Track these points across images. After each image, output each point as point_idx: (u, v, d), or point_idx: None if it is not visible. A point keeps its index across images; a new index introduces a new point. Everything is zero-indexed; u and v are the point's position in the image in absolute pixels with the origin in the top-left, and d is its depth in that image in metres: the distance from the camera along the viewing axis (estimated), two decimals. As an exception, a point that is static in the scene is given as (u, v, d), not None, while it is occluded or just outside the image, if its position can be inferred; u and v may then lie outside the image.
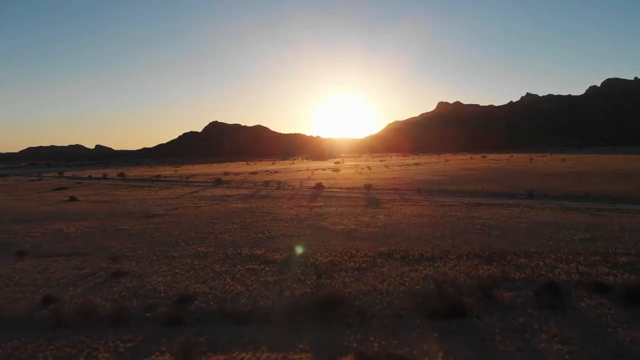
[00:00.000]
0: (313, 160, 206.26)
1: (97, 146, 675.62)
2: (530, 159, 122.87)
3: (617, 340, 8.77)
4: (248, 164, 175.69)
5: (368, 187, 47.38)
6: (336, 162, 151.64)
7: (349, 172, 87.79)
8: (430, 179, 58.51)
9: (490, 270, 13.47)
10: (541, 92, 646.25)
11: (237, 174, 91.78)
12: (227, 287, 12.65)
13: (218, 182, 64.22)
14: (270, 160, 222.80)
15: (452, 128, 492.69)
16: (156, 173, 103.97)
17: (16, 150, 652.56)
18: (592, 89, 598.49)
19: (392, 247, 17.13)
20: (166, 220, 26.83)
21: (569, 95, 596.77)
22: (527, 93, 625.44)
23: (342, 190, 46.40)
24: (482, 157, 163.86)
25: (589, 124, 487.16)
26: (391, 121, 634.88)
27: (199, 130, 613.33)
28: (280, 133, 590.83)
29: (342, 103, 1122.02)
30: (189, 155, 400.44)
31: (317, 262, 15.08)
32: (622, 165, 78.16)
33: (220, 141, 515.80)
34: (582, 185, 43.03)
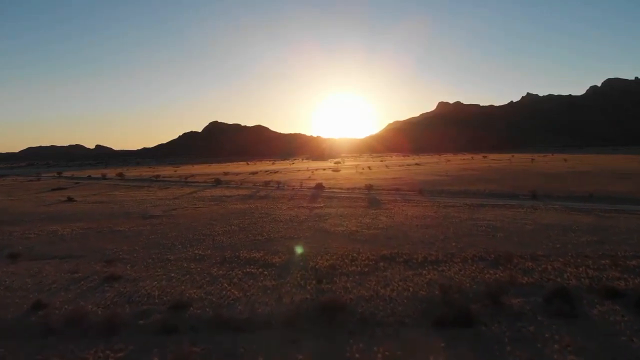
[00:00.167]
0: (313, 160, 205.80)
1: (97, 146, 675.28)
2: (532, 159, 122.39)
3: (633, 350, 8.33)
4: (248, 164, 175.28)
5: (369, 187, 46.93)
6: (336, 162, 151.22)
7: (350, 172, 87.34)
8: (432, 179, 58.05)
9: (497, 275, 13.01)
10: (541, 92, 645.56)
11: (236, 174, 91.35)
12: (224, 292, 12.19)
13: (217, 182, 63.81)
14: (270, 160, 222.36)
15: (452, 128, 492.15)
16: (155, 173, 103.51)
17: (16, 150, 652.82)
18: (593, 89, 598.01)
19: (395, 249, 16.67)
20: (163, 222, 26.38)
21: (569, 95, 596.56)
22: (528, 93, 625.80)
23: (343, 191, 45.96)
24: (483, 157, 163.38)
25: (589, 124, 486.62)
26: (391, 121, 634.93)
27: (199, 130, 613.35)
28: (280, 133, 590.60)
29: (342, 103, 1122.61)
30: (189, 155, 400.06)
31: (317, 266, 14.61)
32: (623, 166, 77.73)
33: (220, 141, 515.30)
34: (584, 185, 42.60)
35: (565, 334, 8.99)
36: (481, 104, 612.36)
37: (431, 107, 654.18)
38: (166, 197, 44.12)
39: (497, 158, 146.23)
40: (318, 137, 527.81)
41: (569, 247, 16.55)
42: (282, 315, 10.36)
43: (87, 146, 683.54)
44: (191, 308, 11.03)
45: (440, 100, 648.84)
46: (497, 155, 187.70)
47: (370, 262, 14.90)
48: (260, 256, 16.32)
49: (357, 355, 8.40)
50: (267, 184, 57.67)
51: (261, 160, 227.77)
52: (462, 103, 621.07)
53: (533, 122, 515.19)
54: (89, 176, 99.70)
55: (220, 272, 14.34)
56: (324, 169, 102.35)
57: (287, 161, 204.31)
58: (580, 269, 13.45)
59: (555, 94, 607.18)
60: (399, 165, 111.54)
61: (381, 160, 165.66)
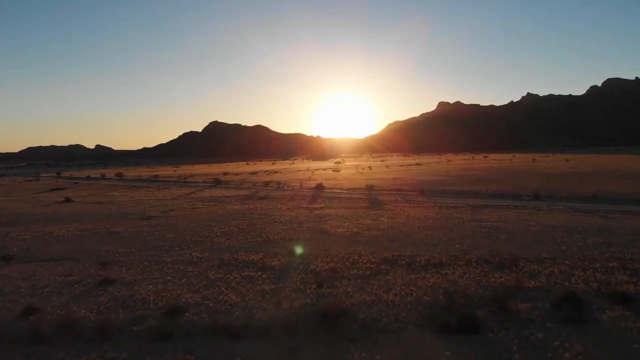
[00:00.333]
0: (313, 160, 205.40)
1: (97, 146, 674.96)
2: (533, 159, 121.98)
3: (647, 360, 7.96)
4: (248, 164, 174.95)
5: (369, 187, 46.56)
6: (337, 162, 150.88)
7: (350, 172, 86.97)
8: (433, 180, 57.66)
9: (502, 278, 12.63)
10: (542, 92, 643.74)
11: (236, 174, 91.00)
12: (221, 297, 11.81)
13: (217, 182, 63.45)
14: (270, 160, 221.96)
15: (452, 128, 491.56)
16: (155, 173, 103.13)
17: (16, 150, 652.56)
18: (593, 89, 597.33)
19: (397, 252, 16.29)
20: (161, 223, 26.01)
21: (570, 95, 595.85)
22: (528, 93, 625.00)
23: (343, 191, 45.60)
24: (484, 157, 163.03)
25: (589, 124, 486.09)
26: (391, 121, 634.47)
27: (199, 130, 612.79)
28: (280, 133, 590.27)
29: (342, 103, 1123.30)
30: (188, 155, 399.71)
31: (317, 269, 14.23)
32: (624, 166, 77.37)
33: (220, 141, 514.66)
34: (587, 185, 42.23)
35: (576, 342, 8.61)
36: (481, 104, 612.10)
37: (431, 107, 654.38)
38: (165, 197, 43.75)
39: (498, 158, 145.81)
40: (318, 137, 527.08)
41: (575, 250, 16.18)
42: (281, 321, 9.99)
43: (87, 146, 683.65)
44: (187, 313, 10.65)
45: (440, 100, 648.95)
46: (498, 155, 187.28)
47: (372, 265, 14.52)
48: (259, 259, 15.95)
49: (359, 365, 8.03)
50: (266, 184, 57.31)
51: (261, 160, 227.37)
52: (462, 103, 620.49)
53: (533, 122, 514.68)
54: (88, 176, 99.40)
55: (218, 275, 13.97)
56: (324, 169, 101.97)
57: (287, 161, 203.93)
58: (588, 272, 13.08)
59: (556, 94, 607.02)
60: (400, 166, 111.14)
61: (381, 160, 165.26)
